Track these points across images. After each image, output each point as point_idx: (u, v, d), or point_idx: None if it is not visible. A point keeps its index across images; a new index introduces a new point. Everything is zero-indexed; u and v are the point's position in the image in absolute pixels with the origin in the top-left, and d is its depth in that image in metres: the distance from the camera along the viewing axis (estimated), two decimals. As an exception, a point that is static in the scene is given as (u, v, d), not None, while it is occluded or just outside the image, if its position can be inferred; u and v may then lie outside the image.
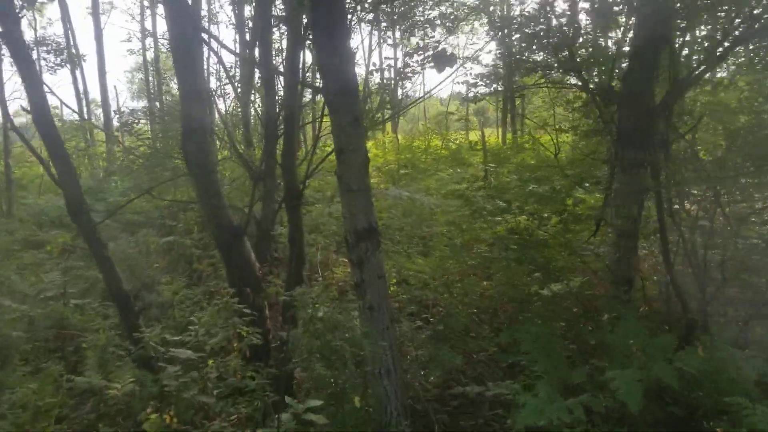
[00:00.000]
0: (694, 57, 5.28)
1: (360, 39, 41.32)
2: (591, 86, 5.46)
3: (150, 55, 27.69)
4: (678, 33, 5.00)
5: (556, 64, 5.56)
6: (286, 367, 4.60)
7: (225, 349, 6.20)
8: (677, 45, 4.95)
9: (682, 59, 5.13)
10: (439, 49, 4.36)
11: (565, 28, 5.22)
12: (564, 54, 5.45)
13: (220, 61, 9.75)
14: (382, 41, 24.50)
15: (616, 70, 5.52)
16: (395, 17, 8.39)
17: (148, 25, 28.04)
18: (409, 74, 6.50)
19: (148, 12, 27.88)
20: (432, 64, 6.31)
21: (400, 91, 6.91)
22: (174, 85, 25.76)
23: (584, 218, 6.44)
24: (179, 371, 4.59)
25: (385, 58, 24.64)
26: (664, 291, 5.81)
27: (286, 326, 5.38)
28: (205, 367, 5.43)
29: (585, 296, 5.42)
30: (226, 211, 6.46)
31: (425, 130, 26.86)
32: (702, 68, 4.83)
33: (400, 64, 7.92)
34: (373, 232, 4.84)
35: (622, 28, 5.81)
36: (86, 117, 25.22)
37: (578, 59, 5.26)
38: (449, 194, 7.36)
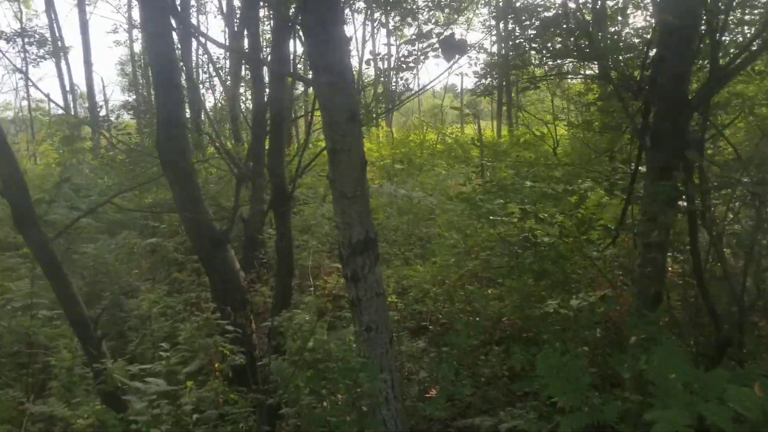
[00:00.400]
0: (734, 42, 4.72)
1: (353, 29, 40.64)
2: (614, 77, 4.87)
3: (138, 47, 26.96)
4: (719, 14, 4.40)
5: (575, 53, 4.97)
6: (271, 399, 4.03)
7: (207, 369, 5.65)
8: (717, 27, 4.36)
9: (726, 45, 4.56)
10: (446, 34, 3.74)
11: (586, 11, 4.63)
12: (583, 41, 4.86)
13: (206, 52, 9.13)
14: (376, 31, 23.81)
15: (646, 60, 4.92)
16: (390, 2, 7.78)
17: (135, 15, 27.30)
18: (410, 64, 5.89)
19: (135, 2, 27.13)
20: (435, 53, 5.74)
21: (399, 83, 6.27)
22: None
23: (596, 220, 5.90)
24: (151, 403, 4.02)
25: (383, 44, 23.84)
26: (692, 302, 5.27)
27: (271, 352, 4.82)
28: (183, 388, 4.87)
29: (609, 314, 4.85)
30: (207, 215, 5.86)
31: (420, 124, 26.29)
32: (745, 55, 4.25)
33: (396, 53, 7.28)
34: (371, 243, 4.24)
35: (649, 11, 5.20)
36: (73, 111, 24.48)
37: (602, 46, 4.67)
38: (451, 195, 6.74)
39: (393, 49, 20.82)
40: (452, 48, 3.70)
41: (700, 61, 4.90)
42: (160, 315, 6.58)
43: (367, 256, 4.23)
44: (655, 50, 4.53)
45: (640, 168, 5.06)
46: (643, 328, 4.09)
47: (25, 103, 28.98)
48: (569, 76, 6.93)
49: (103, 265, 8.52)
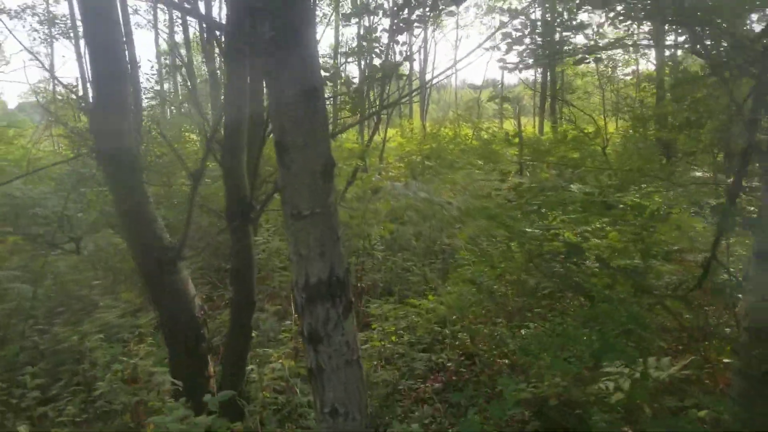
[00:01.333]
0: None
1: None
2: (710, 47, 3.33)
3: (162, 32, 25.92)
4: None
5: (646, 14, 3.41)
6: None
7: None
8: None
9: None
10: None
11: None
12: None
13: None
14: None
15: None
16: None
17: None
18: (413, 23, 4.34)
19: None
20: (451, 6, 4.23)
21: (397, 50, 4.65)
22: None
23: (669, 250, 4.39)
24: None
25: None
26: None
27: None
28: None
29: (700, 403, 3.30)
30: (155, 224, 4.49)
31: (456, 118, 24.71)
32: None
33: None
34: (338, 286, 2.74)
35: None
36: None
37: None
38: (474, 212, 5.23)
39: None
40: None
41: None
42: (102, 345, 5.23)
43: (332, 305, 2.73)
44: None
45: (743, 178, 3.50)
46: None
47: (44, 86, 28.06)
48: (647, 46, 5.31)
49: (61, 275, 7.24)
